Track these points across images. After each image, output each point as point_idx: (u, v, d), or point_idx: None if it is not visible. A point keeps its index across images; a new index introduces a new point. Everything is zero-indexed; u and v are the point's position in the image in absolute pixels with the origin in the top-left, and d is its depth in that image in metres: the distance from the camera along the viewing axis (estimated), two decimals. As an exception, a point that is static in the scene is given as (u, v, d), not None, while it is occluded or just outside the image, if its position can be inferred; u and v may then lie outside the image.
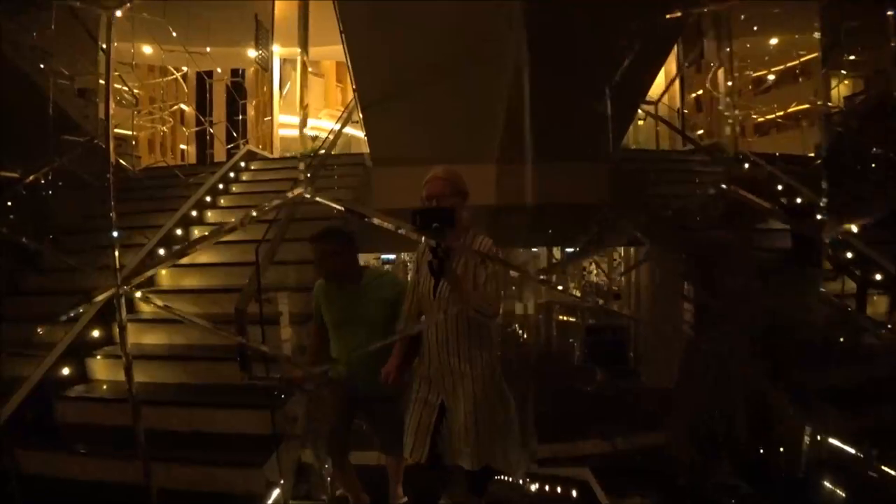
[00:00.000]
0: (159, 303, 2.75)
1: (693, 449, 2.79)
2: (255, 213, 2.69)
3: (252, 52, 8.31)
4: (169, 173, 5.83)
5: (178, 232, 4.59)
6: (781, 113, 8.45)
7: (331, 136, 4.93)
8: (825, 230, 2.73)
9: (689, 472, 2.81)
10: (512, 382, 2.25)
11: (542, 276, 9.28)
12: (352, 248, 2.62)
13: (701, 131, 9.33)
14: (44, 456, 2.96)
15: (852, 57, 5.85)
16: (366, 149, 5.31)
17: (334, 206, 2.33)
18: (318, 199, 2.48)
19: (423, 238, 1.97)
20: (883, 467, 2.43)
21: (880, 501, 2.46)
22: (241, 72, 9.88)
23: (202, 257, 4.60)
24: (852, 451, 2.63)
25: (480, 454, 2.08)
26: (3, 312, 4.19)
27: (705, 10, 3.99)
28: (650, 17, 3.37)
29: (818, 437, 2.66)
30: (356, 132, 6.08)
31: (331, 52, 9.02)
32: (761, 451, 2.67)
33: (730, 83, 5.94)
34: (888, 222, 2.72)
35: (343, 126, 5.31)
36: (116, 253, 2.43)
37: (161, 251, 4.38)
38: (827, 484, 2.63)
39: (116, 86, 7.03)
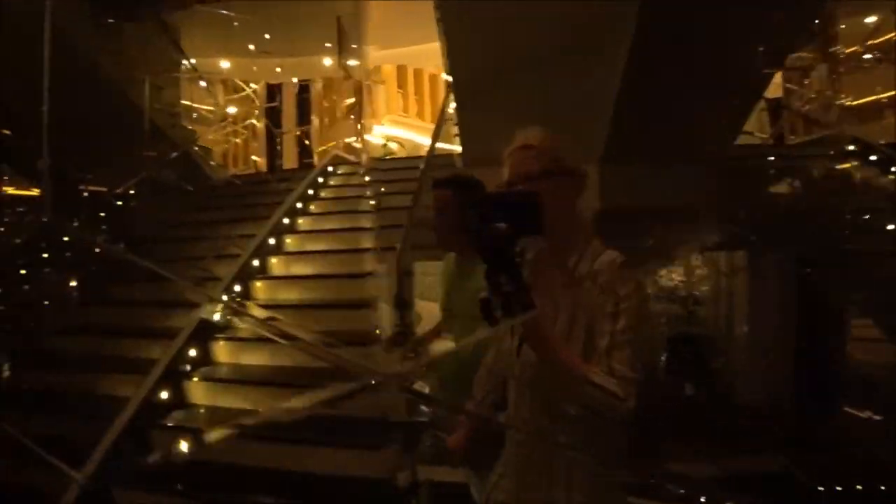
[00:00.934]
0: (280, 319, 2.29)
1: None
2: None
3: (328, 61, 8.12)
4: (256, 179, 5.60)
5: (272, 241, 4.22)
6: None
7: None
8: None
9: None
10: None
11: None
12: None
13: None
14: (143, 498, 2.54)
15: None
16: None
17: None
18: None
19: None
20: None
21: None
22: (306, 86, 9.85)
23: (296, 268, 4.22)
24: None
25: None
26: (93, 323, 3.99)
27: None
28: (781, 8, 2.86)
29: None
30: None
31: (391, 55, 8.83)
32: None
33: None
34: None
35: (438, 133, 4.87)
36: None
37: (255, 262, 4.02)
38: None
39: (195, 105, 7.12)
